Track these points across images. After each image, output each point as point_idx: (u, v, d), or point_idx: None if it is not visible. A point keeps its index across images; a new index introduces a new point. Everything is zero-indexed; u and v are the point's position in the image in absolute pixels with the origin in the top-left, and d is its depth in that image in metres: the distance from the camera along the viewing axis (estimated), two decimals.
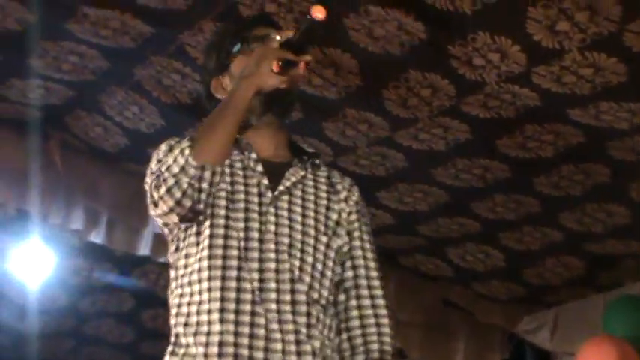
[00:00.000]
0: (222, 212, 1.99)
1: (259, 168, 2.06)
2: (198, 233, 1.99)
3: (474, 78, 3.26)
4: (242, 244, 1.96)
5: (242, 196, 2.02)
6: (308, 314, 1.95)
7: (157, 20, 3.14)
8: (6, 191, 4.00)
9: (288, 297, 1.94)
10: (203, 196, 1.94)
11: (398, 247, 4.60)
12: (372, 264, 2.13)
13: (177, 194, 1.92)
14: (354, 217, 2.13)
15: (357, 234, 2.13)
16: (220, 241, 1.97)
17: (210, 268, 1.94)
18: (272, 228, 1.99)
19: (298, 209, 2.05)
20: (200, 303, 1.94)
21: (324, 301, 2.00)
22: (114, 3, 3.06)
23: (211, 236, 1.97)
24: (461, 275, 4.79)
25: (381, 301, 2.10)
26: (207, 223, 1.98)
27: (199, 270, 1.96)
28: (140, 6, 3.06)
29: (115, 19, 3.14)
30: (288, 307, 1.93)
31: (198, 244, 1.99)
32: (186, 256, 2.01)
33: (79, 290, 5.12)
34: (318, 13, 1.90)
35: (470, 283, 4.86)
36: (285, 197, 2.05)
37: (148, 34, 3.22)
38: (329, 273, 2.03)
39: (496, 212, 4.20)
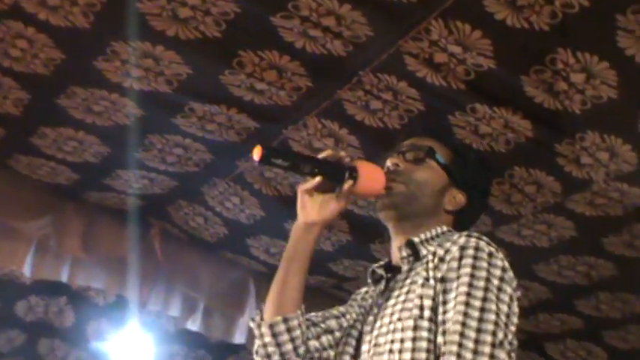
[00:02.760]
0: None
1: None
2: None
3: (581, 176, 3.19)
4: None
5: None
6: None
7: (262, 115, 3.17)
8: (106, 278, 4.06)
9: None
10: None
11: None
12: None
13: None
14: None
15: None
16: None
17: None
18: None
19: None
20: None
21: None
22: (221, 99, 3.10)
23: None
24: None
25: None
26: None
27: None
28: (246, 102, 3.09)
29: (221, 114, 3.18)
30: None
31: None
32: None
33: None
34: (255, 155, 1.92)
35: None
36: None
37: (252, 129, 3.24)
38: None
39: (600, 310, 4.08)
